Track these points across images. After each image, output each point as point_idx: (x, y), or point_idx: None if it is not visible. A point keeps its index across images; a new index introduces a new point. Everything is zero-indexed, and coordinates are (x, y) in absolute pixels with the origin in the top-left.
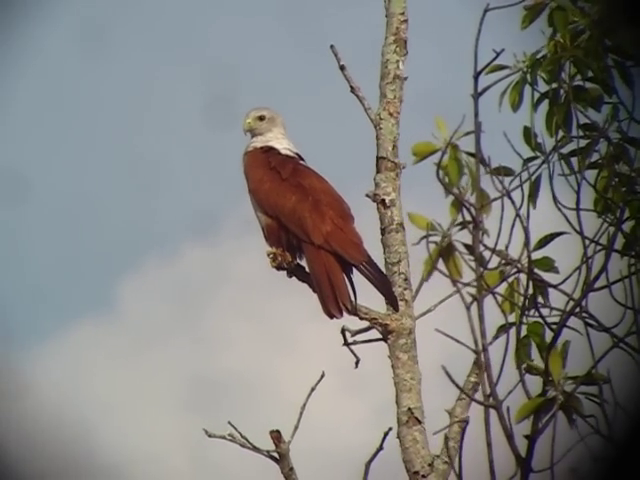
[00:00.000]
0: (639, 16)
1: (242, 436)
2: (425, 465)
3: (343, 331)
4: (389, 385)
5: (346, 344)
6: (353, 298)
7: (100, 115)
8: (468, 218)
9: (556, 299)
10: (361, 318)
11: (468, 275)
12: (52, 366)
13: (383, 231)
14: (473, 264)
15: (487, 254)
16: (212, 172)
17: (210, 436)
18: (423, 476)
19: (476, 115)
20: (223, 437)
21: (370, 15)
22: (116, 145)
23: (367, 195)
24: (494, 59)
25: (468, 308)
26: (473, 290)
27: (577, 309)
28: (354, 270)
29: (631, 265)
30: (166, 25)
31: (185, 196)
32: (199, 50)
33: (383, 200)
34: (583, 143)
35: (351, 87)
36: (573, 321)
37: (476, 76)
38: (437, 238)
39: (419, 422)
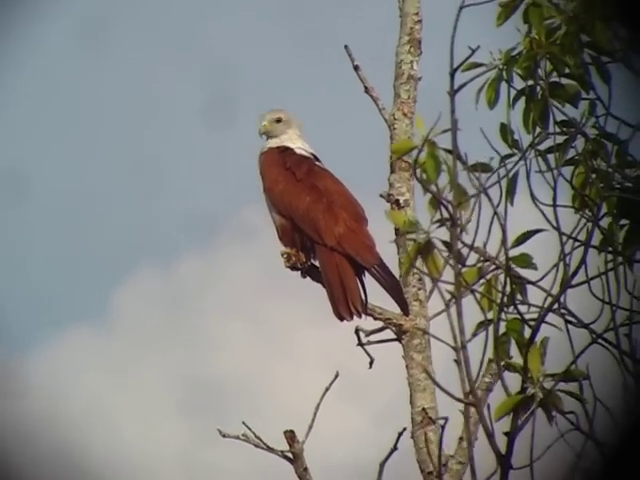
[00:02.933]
0: (615, 12)
1: (256, 436)
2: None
3: (357, 331)
4: (390, 389)
5: (360, 344)
6: (364, 301)
7: (99, 114)
8: (447, 215)
9: (535, 296)
10: (375, 318)
11: (449, 273)
12: (46, 371)
13: (397, 231)
14: (452, 262)
15: (466, 251)
16: (211, 174)
17: (224, 436)
18: (437, 476)
19: (452, 112)
20: (237, 437)
21: (373, 14)
22: (115, 145)
23: (381, 195)
24: (469, 56)
25: (447, 305)
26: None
27: (555, 305)
28: (366, 273)
29: (608, 262)
30: (166, 24)
31: (183, 199)
32: (199, 50)
33: (397, 200)
34: (560, 139)
35: (365, 87)
36: (552, 318)
37: (452, 73)
38: (416, 235)
39: (433, 422)
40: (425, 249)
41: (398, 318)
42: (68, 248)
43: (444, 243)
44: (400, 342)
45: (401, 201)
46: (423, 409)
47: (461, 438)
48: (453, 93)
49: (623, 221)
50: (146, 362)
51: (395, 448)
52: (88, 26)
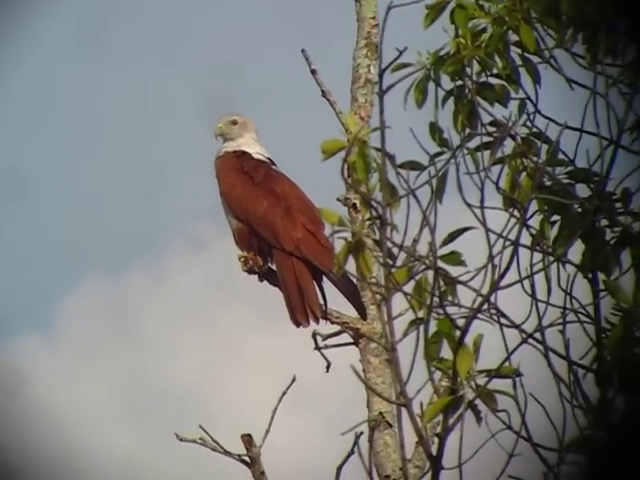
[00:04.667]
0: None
1: (213, 440)
2: (396, 469)
3: (314, 335)
4: (341, 394)
5: (317, 348)
6: (323, 305)
7: (98, 114)
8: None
9: (468, 296)
10: (332, 322)
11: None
12: None
13: (353, 235)
14: (382, 261)
15: (396, 251)
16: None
17: (182, 440)
18: None
19: (381, 112)
20: (194, 441)
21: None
22: (113, 145)
23: (338, 199)
24: (397, 57)
25: (379, 306)
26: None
27: (485, 305)
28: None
29: (536, 263)
30: (165, 24)
31: (180, 199)
32: (198, 50)
33: (354, 204)
34: (490, 139)
35: (322, 91)
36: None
37: (381, 74)
38: (347, 234)
39: (390, 426)
40: (355, 248)
41: (355, 322)
42: (53, 250)
43: (375, 242)
44: (357, 346)
45: (358, 205)
46: (380, 413)
47: (417, 442)
48: (382, 93)
49: (555, 217)
50: (96, 371)
51: (352, 452)
52: (87, 25)
